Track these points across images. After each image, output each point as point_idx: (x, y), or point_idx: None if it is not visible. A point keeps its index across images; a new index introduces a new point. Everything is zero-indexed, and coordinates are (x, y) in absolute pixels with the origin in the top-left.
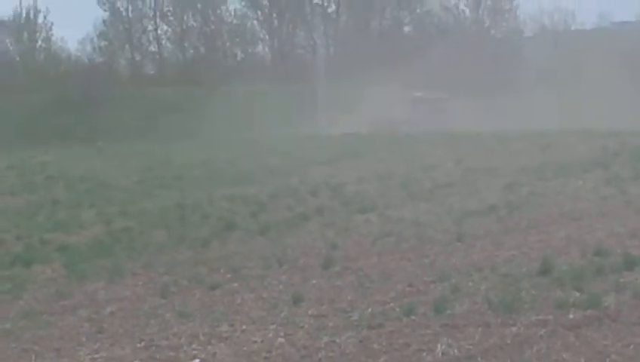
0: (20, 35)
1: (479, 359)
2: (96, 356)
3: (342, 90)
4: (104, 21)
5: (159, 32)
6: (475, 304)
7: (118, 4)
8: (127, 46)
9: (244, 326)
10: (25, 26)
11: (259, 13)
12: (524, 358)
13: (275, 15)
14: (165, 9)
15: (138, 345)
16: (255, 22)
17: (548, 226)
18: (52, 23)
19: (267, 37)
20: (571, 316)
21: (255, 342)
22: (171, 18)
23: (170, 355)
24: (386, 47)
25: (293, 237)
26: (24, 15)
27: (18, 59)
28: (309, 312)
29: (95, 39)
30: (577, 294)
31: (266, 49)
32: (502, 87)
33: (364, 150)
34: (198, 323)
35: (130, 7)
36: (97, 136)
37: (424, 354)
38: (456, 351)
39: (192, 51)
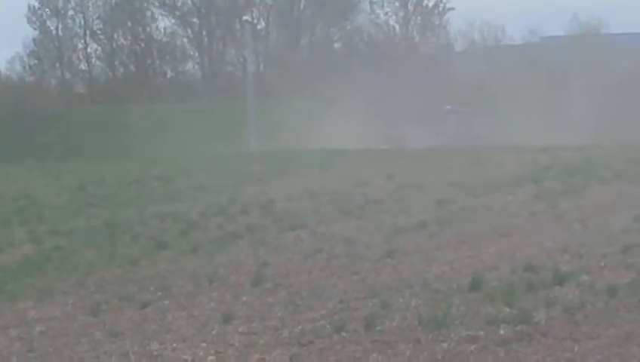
0: None
1: None
2: None
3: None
4: (34, 40)
5: (89, 50)
6: (406, 320)
7: (48, 22)
8: (57, 64)
9: (174, 345)
10: None
11: (189, 31)
12: None
13: (204, 33)
14: (95, 27)
15: None
16: (185, 40)
17: (478, 242)
18: None
19: (197, 54)
20: (502, 331)
21: (185, 360)
22: (101, 36)
23: None
24: (317, 63)
25: (223, 255)
26: None
27: None
28: (240, 330)
29: (25, 58)
30: (508, 310)
31: (196, 67)
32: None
33: (295, 167)
34: (129, 342)
35: (60, 26)
36: (28, 155)
37: None
38: None
39: (122, 69)
